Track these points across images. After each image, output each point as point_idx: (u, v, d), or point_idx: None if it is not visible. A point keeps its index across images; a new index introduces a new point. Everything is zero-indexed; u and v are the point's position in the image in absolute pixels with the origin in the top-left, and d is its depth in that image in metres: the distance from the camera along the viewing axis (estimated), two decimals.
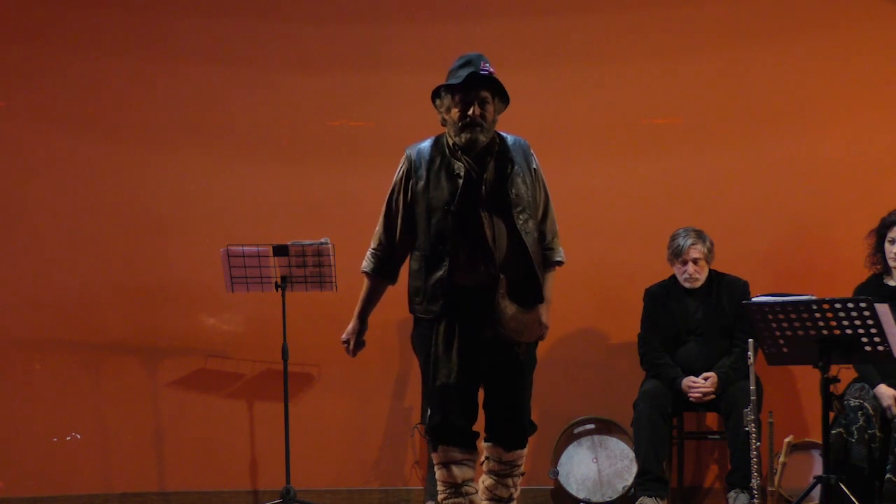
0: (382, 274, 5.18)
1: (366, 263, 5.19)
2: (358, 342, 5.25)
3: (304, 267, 6.43)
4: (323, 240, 6.41)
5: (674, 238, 6.58)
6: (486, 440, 5.17)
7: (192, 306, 7.05)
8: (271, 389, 6.86)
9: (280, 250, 6.42)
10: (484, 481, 5.18)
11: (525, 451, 5.18)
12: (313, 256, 6.41)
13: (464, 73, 4.92)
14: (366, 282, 5.22)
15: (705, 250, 6.54)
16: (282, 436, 6.52)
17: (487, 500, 5.16)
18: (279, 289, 6.48)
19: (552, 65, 7.06)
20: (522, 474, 5.23)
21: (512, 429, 5.12)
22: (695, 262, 6.53)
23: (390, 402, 7.06)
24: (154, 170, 7.09)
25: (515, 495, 5.21)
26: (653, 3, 7.11)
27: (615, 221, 7.02)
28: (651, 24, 7.09)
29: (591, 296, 6.99)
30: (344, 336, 5.25)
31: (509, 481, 5.16)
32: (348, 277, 6.50)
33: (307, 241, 6.42)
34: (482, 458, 5.20)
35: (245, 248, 6.45)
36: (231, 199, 7.09)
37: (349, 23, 7.14)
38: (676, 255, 6.56)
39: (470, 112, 4.93)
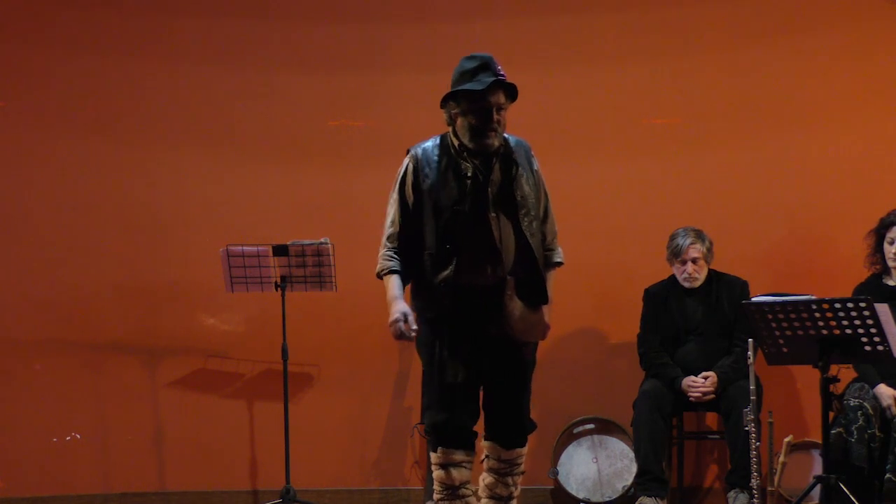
0: (401, 269, 4.99)
1: (383, 264, 5.00)
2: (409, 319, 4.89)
3: (303, 267, 6.43)
4: (323, 240, 6.41)
5: (673, 238, 6.58)
6: (485, 438, 5.17)
7: (191, 306, 7.05)
8: (271, 389, 6.85)
9: (280, 250, 6.42)
10: (484, 479, 5.18)
11: (525, 449, 5.19)
12: (313, 256, 6.40)
13: (485, 78, 4.89)
14: (389, 279, 4.98)
15: (704, 250, 6.54)
16: (282, 436, 6.52)
17: (487, 497, 5.16)
18: (279, 289, 6.47)
19: (552, 65, 7.06)
20: (522, 473, 5.23)
21: (512, 427, 5.12)
22: (694, 261, 6.53)
23: (390, 402, 7.05)
24: (154, 170, 7.09)
25: (515, 494, 5.20)
26: (653, 3, 7.11)
27: (615, 221, 7.02)
28: (651, 24, 7.09)
29: (590, 296, 6.99)
30: (396, 314, 4.88)
31: (509, 479, 5.16)
32: (348, 277, 6.51)
33: (307, 241, 6.42)
34: (482, 457, 5.20)
35: (245, 247, 6.45)
36: (231, 199, 7.09)
37: (349, 23, 7.14)
38: (675, 254, 6.56)
39: (492, 119, 4.92)
